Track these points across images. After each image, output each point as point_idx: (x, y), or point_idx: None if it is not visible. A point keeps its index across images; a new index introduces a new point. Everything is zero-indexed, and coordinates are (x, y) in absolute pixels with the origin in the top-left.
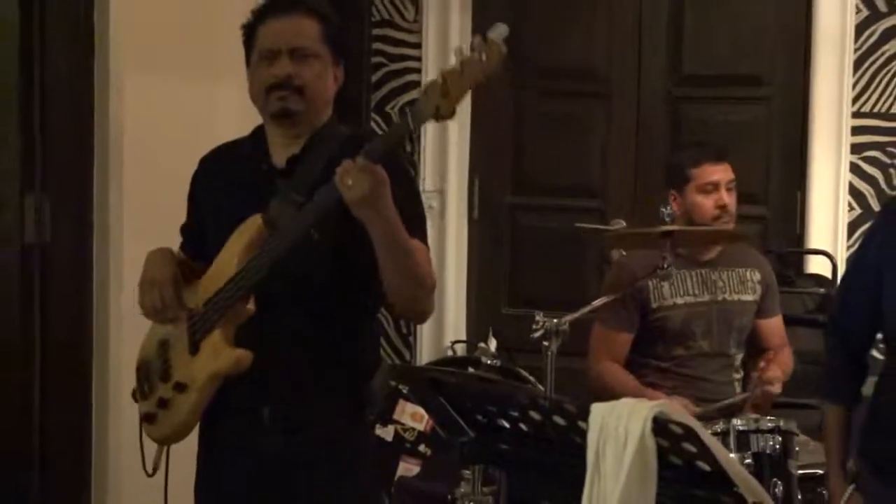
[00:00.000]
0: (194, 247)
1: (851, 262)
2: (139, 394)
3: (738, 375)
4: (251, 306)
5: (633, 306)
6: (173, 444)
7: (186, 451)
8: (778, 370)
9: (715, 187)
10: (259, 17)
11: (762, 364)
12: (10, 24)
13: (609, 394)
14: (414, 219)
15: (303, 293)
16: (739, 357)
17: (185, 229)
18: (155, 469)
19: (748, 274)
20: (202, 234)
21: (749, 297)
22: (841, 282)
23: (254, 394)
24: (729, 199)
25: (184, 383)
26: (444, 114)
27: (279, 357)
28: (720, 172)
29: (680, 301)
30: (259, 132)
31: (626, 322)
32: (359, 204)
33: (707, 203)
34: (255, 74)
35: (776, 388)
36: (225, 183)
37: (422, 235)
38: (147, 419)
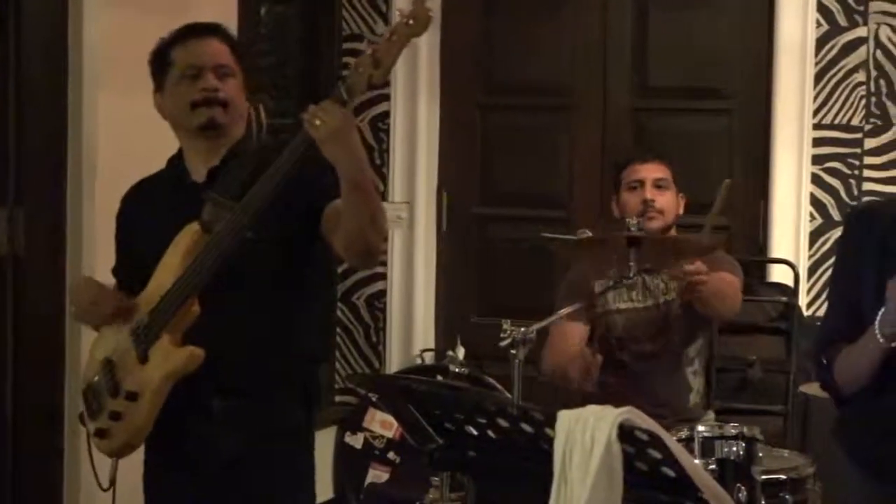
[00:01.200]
0: (127, 285)
1: (833, 274)
2: (87, 414)
3: (692, 369)
4: (196, 308)
5: (584, 311)
6: (128, 454)
7: (136, 461)
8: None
9: (640, 184)
10: (175, 40)
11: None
12: None
13: (567, 378)
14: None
15: (246, 288)
16: (694, 349)
17: (116, 272)
18: (112, 482)
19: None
20: (136, 271)
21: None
22: (828, 298)
23: (204, 389)
24: (658, 195)
25: (135, 391)
26: (376, 82)
27: (226, 352)
28: (646, 170)
29: (623, 307)
30: (175, 158)
31: (577, 316)
32: (330, 139)
33: (633, 199)
34: (175, 93)
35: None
36: (152, 211)
37: None
38: (99, 435)
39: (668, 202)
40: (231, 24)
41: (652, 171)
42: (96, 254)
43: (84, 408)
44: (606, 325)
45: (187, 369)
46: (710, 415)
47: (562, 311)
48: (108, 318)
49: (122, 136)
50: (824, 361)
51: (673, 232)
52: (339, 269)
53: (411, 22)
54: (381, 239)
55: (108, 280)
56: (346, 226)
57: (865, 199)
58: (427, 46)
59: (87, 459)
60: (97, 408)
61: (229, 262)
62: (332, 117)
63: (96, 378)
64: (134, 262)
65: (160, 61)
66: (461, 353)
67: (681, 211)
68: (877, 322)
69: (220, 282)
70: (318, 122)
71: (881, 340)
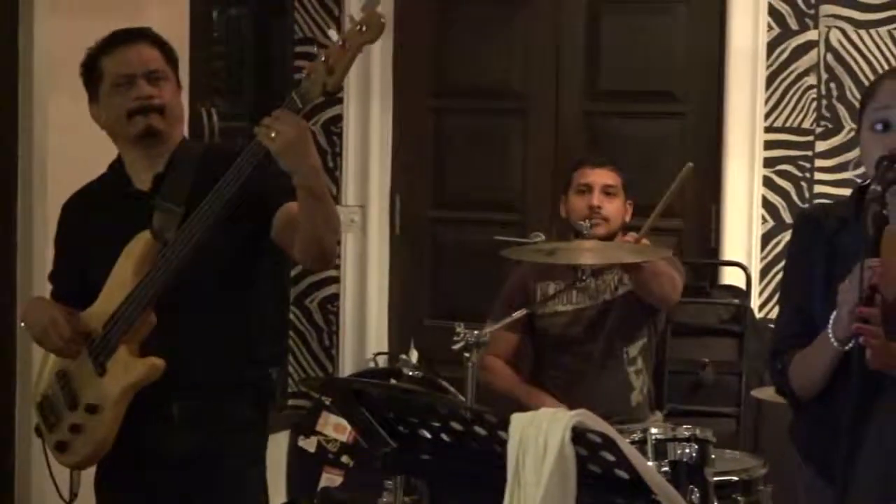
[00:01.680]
0: (66, 291)
1: (783, 278)
2: (45, 427)
3: (634, 368)
4: (153, 318)
5: (525, 314)
6: (90, 466)
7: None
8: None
9: (589, 189)
10: (101, 49)
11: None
12: None
13: (491, 388)
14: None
15: (202, 295)
16: (635, 348)
17: (53, 277)
18: (74, 495)
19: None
20: (80, 277)
21: (629, 288)
22: (780, 301)
23: (163, 393)
24: (606, 202)
25: (95, 404)
26: (330, 89)
27: (184, 356)
28: (595, 175)
29: (561, 309)
30: (116, 164)
31: (513, 328)
32: (286, 150)
33: (580, 204)
34: (110, 103)
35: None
36: (95, 218)
37: None
38: (59, 448)
39: (615, 210)
40: (183, 27)
41: (602, 177)
42: (46, 258)
43: (40, 420)
44: (543, 328)
45: (148, 380)
46: (658, 415)
47: (515, 314)
48: (62, 348)
49: (73, 140)
50: (779, 367)
51: (618, 237)
52: (293, 273)
53: (364, 29)
54: (336, 241)
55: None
56: (302, 230)
57: (816, 201)
58: (380, 50)
59: (38, 476)
60: (55, 421)
61: (189, 272)
62: (287, 128)
63: (51, 391)
64: (77, 271)
65: (90, 72)
66: (414, 356)
67: (627, 218)
68: (829, 326)
69: (174, 288)
70: (273, 135)
71: (835, 344)
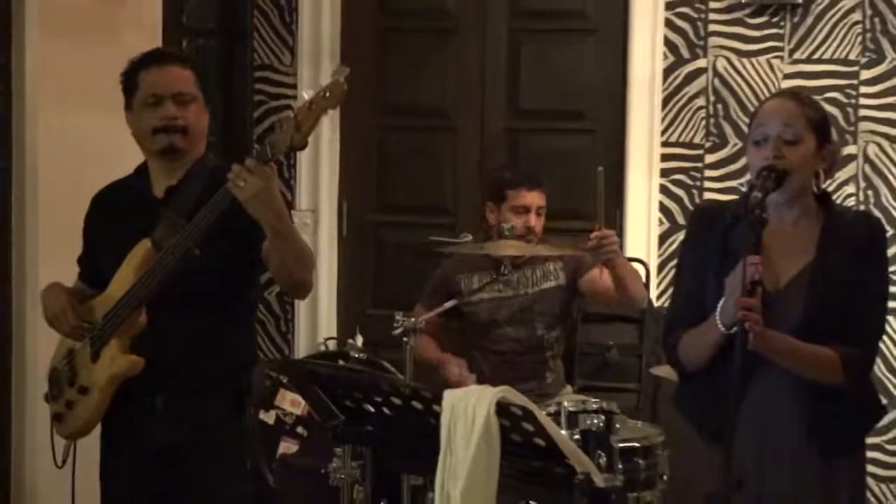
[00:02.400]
0: (90, 275)
1: (678, 267)
2: (50, 396)
3: (551, 353)
4: (143, 318)
5: (445, 297)
6: (79, 438)
7: (93, 446)
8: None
9: (526, 210)
10: (139, 65)
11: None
12: None
13: (420, 359)
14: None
15: (190, 299)
16: (553, 335)
17: (81, 260)
18: (64, 461)
19: (550, 266)
20: (97, 264)
21: (552, 284)
22: (674, 288)
23: (149, 387)
24: (536, 222)
25: (86, 386)
26: (296, 145)
27: (170, 355)
28: (531, 198)
29: (486, 296)
30: (142, 168)
31: (437, 307)
32: (252, 200)
33: (517, 222)
34: (140, 116)
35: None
36: (113, 216)
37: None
38: (57, 419)
39: (542, 226)
40: None
41: (536, 199)
42: (38, 258)
43: (48, 389)
44: (471, 313)
45: (129, 374)
46: (568, 388)
47: (447, 304)
48: (68, 333)
49: (60, 148)
50: (671, 342)
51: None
52: None
53: (328, 95)
54: (308, 273)
55: (61, 274)
56: (273, 265)
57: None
58: (329, 78)
59: (32, 445)
60: (57, 393)
61: (175, 277)
62: (254, 178)
63: (59, 365)
64: (92, 260)
65: (129, 82)
66: (360, 340)
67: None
68: (717, 312)
69: (167, 293)
70: (241, 184)
71: (721, 328)
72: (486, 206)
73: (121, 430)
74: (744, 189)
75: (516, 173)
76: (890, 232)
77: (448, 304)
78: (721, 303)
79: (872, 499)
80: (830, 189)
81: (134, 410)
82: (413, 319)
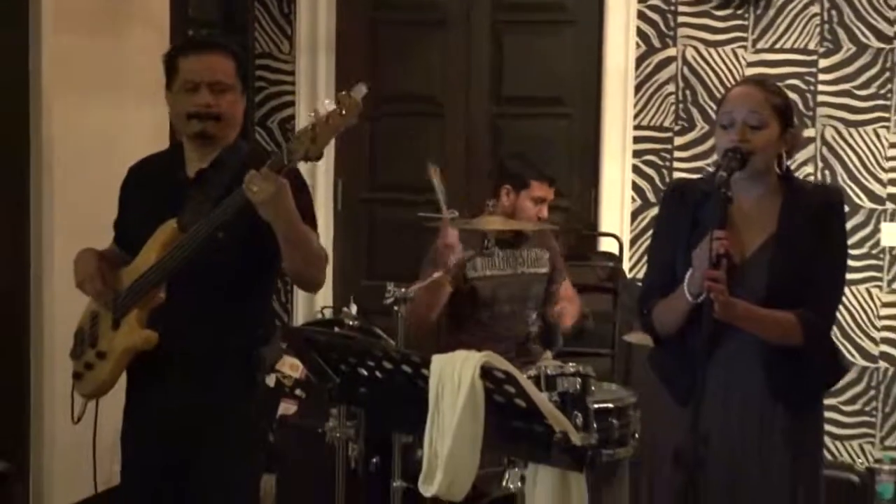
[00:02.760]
0: (120, 241)
1: (651, 240)
2: (74, 354)
3: (536, 326)
4: (162, 294)
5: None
6: (95, 398)
7: (116, 406)
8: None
9: (542, 201)
10: (180, 50)
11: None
12: None
13: (428, 295)
14: (306, 212)
15: (210, 280)
16: (534, 316)
17: (116, 225)
18: (80, 417)
19: (541, 253)
20: (125, 235)
21: (542, 270)
22: (648, 260)
23: (169, 360)
24: (546, 211)
25: (104, 352)
26: (311, 156)
27: (190, 331)
28: (549, 192)
29: (489, 273)
30: (178, 146)
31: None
32: (263, 205)
33: (532, 211)
34: (177, 100)
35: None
36: (146, 190)
37: (313, 224)
38: (76, 377)
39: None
40: (164, 43)
41: (551, 194)
42: (53, 230)
43: (73, 346)
44: (474, 288)
45: (143, 348)
46: (547, 354)
47: (435, 275)
48: (94, 297)
49: (72, 133)
50: (645, 311)
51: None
52: None
53: (344, 112)
54: (319, 273)
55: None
56: (286, 265)
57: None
58: (325, 66)
59: (49, 400)
60: (80, 353)
61: (198, 257)
62: (267, 185)
63: (85, 325)
64: (125, 229)
65: (169, 65)
66: (354, 309)
67: None
68: (685, 283)
69: (190, 272)
70: (255, 189)
71: (689, 297)
72: (503, 188)
73: (140, 400)
74: (711, 169)
75: (541, 168)
76: (846, 209)
77: (435, 275)
78: (688, 274)
79: (829, 455)
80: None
81: (153, 381)
82: (403, 290)
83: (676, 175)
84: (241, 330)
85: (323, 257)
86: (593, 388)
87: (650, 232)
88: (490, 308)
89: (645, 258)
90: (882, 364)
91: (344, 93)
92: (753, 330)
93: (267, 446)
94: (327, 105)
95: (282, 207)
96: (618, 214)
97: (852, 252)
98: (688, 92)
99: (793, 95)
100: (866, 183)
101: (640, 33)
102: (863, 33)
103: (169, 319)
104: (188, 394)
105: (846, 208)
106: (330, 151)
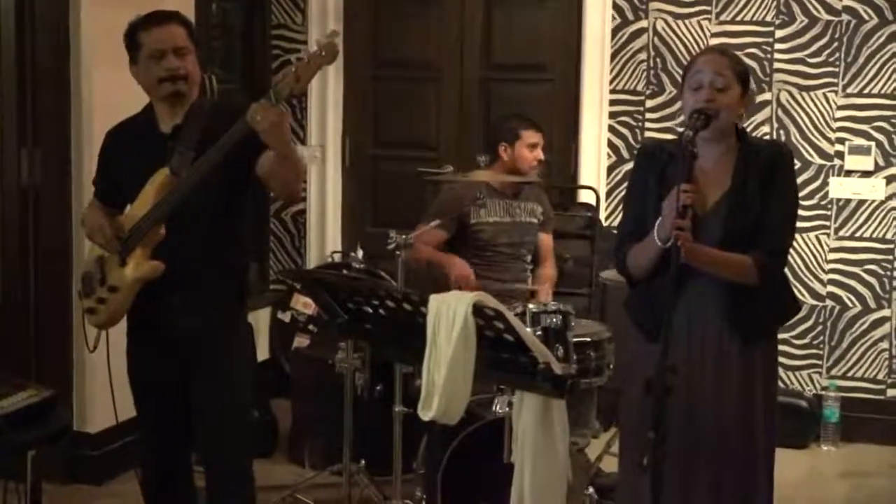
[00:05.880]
0: (103, 195)
1: (626, 193)
2: (82, 294)
3: (529, 267)
4: (162, 231)
5: (456, 220)
6: (109, 328)
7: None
8: (544, 287)
9: (535, 147)
10: (139, 27)
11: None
12: (7, 30)
13: (417, 257)
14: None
15: (202, 216)
16: (528, 257)
17: (96, 183)
18: (95, 346)
19: (535, 206)
20: (112, 187)
21: (535, 221)
22: (623, 210)
23: (168, 286)
24: (541, 154)
25: (115, 286)
26: (296, 93)
27: (186, 261)
28: (539, 137)
29: (491, 220)
30: (148, 109)
31: (444, 227)
32: (268, 131)
33: (529, 156)
34: (147, 68)
35: (544, 294)
36: (129, 148)
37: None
38: (89, 312)
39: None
40: (190, 15)
41: (541, 139)
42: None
43: (81, 288)
44: (477, 231)
45: (152, 276)
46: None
47: (432, 223)
48: (103, 244)
49: (110, 98)
50: (621, 256)
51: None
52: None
53: (323, 53)
54: (300, 184)
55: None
56: (274, 178)
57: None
58: (324, 37)
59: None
60: (90, 291)
61: (193, 200)
62: (270, 114)
63: (91, 269)
64: (113, 183)
65: (131, 41)
66: (360, 254)
67: None
68: (655, 230)
69: (182, 211)
70: (259, 118)
71: (658, 243)
72: (500, 146)
73: (146, 323)
74: (680, 130)
75: (526, 119)
76: (798, 165)
77: (434, 222)
78: (658, 222)
79: (781, 384)
80: (749, 130)
81: (157, 306)
82: (404, 236)
83: (648, 134)
84: (227, 255)
85: (304, 168)
86: (573, 323)
87: (624, 185)
88: (492, 248)
89: (619, 208)
90: (829, 303)
91: (324, 38)
92: (713, 271)
93: (280, 373)
94: (310, 49)
95: (283, 132)
96: (595, 169)
97: (804, 203)
98: (658, 60)
99: (752, 63)
100: (816, 141)
101: (616, 7)
102: (814, 7)
103: (167, 251)
104: (187, 314)
105: (797, 164)
106: (338, 113)
